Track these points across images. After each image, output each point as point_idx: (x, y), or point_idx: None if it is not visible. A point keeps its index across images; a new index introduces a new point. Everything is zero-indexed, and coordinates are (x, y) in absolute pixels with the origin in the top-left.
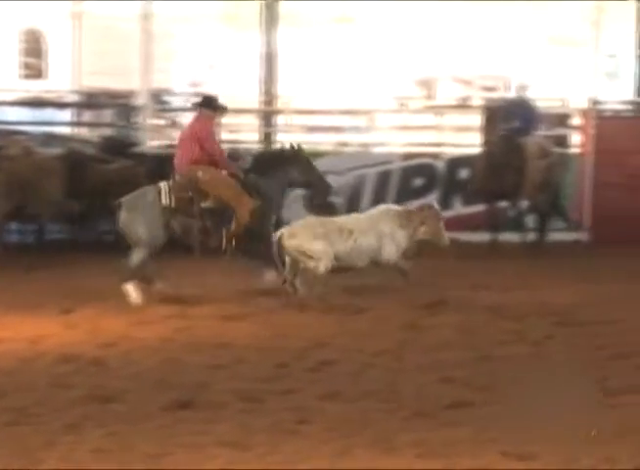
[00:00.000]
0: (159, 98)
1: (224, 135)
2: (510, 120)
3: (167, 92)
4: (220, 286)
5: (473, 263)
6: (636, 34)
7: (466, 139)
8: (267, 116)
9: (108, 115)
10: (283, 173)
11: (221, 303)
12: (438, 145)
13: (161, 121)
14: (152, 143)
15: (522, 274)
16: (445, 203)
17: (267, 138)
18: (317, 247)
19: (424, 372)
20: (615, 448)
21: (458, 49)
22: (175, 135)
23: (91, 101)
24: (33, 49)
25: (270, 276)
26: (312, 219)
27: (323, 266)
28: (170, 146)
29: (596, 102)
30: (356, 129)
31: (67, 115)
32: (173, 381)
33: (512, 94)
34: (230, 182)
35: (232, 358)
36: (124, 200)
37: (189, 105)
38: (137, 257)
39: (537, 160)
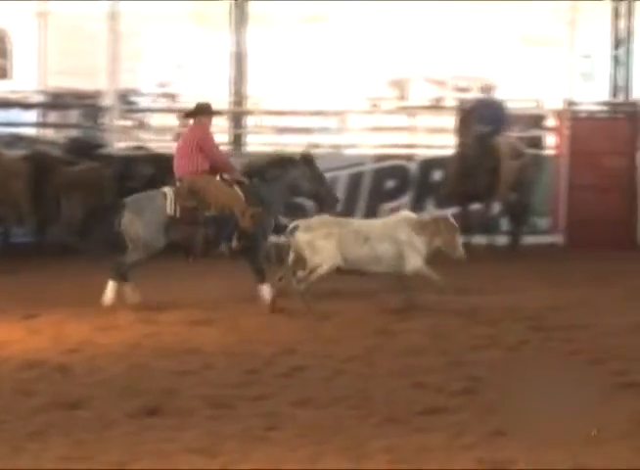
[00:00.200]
0: (126, 98)
1: None
2: (482, 121)
3: (135, 92)
4: (188, 291)
5: (445, 267)
6: (611, 34)
7: (439, 140)
8: (237, 117)
9: (74, 115)
10: (288, 180)
11: (189, 308)
12: (411, 146)
13: (129, 122)
14: (119, 144)
15: (495, 278)
16: (418, 205)
17: (237, 140)
18: (328, 246)
19: (395, 378)
20: (591, 456)
21: (431, 49)
22: (143, 137)
23: (57, 101)
24: None
25: (265, 291)
26: (330, 218)
27: (327, 266)
28: (138, 147)
29: (571, 103)
30: (327, 130)
31: (32, 115)
32: (140, 387)
33: (481, 95)
34: (232, 191)
35: (200, 364)
36: (128, 200)
37: (156, 106)
38: (131, 258)
39: (510, 160)
